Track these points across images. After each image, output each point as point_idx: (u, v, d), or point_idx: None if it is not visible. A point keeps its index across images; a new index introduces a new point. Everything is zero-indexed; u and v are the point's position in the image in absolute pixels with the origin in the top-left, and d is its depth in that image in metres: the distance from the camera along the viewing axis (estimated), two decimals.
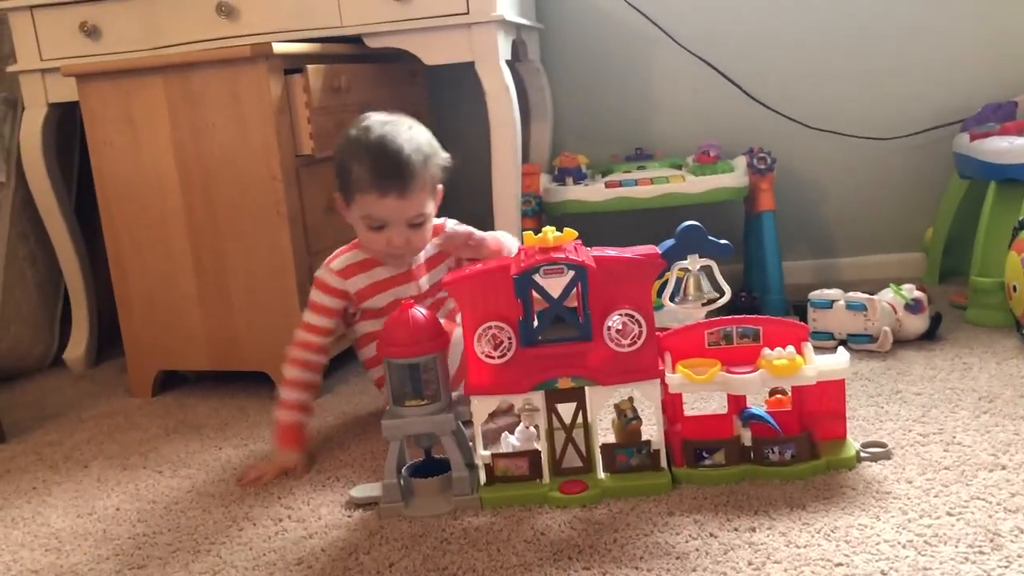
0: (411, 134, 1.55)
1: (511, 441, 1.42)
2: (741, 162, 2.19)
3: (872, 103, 2.39)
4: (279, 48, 1.77)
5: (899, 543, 1.12)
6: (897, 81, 2.37)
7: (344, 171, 1.55)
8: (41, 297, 2.29)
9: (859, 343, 1.85)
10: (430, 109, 2.42)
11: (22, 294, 2.24)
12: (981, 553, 1.09)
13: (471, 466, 1.37)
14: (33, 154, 2.18)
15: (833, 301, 1.89)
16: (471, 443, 1.39)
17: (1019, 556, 1.07)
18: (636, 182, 2.15)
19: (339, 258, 1.62)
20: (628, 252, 1.33)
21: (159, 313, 1.93)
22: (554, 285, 1.29)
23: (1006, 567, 1.05)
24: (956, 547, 1.10)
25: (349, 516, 1.35)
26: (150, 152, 1.86)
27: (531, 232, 1.34)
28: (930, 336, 1.88)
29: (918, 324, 1.87)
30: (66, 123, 2.27)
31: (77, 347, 2.28)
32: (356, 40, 2.01)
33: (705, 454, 1.34)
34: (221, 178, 1.82)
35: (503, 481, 1.36)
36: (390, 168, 1.50)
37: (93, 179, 1.92)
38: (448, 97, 2.55)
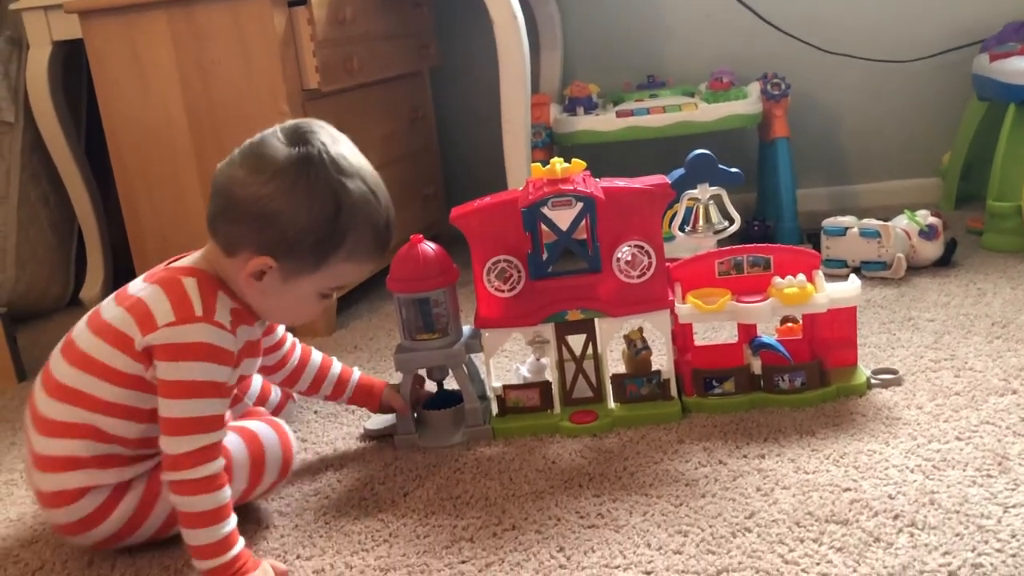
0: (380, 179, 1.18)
1: (522, 372, 1.44)
2: (755, 88, 2.15)
3: (888, 25, 2.34)
4: None
5: (907, 468, 1.13)
6: (914, 1, 2.31)
7: (330, 231, 1.10)
8: (56, 237, 2.31)
9: (873, 270, 1.84)
10: (436, 39, 2.39)
11: (37, 235, 2.26)
12: (989, 476, 1.09)
13: (483, 398, 1.39)
14: (40, 94, 2.18)
15: (847, 228, 1.88)
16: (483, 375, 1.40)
17: None
18: (648, 111, 2.12)
19: (218, 307, 1.10)
20: (637, 182, 1.32)
21: (172, 250, 1.88)
22: (563, 217, 1.28)
23: (1013, 490, 1.06)
24: (964, 471, 1.11)
25: (364, 447, 1.37)
26: (157, 90, 1.84)
27: (539, 164, 1.33)
28: (945, 262, 1.87)
29: (933, 250, 1.85)
30: (73, 61, 2.25)
31: (93, 286, 2.30)
32: None
33: (715, 383, 1.35)
34: (228, 114, 1.81)
35: (515, 412, 1.37)
36: (390, 233, 1.18)
37: (101, 117, 1.92)
38: (455, 27, 2.51)
